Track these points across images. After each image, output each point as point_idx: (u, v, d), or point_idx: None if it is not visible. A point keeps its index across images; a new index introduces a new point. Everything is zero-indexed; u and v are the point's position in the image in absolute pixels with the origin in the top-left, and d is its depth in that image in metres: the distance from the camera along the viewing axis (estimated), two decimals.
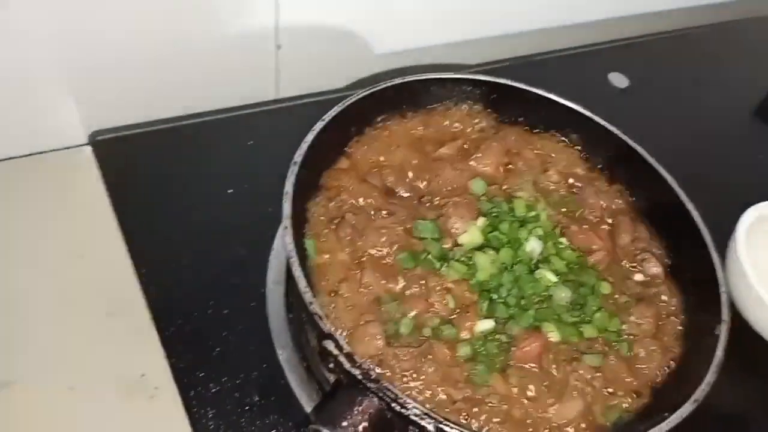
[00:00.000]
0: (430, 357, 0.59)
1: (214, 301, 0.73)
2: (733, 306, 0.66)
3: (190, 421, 0.64)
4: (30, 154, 0.82)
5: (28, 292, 0.71)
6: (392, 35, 0.99)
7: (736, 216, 0.82)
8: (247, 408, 0.66)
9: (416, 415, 0.52)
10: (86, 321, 0.70)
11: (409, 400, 0.52)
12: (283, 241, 0.60)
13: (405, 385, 0.58)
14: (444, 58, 1.03)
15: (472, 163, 0.74)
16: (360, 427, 0.52)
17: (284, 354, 0.70)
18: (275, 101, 0.96)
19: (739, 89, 1.18)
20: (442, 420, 0.51)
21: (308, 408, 0.66)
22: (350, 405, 0.53)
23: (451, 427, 0.51)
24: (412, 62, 1.01)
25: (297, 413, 0.66)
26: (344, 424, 0.52)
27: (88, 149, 0.84)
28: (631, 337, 0.65)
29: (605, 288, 0.67)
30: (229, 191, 0.82)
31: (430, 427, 0.51)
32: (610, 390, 0.61)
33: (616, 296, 0.67)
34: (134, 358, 0.68)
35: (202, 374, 0.68)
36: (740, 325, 0.76)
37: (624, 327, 0.65)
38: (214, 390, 0.67)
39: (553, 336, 0.62)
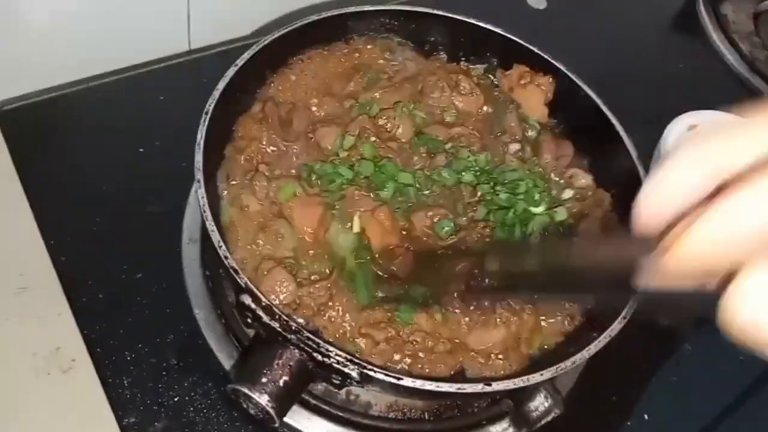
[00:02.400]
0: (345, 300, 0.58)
1: (128, 266, 0.70)
2: None
3: (106, 391, 0.62)
4: None
5: None
6: None
7: (660, 129, 0.82)
8: (164, 372, 0.64)
9: (339, 362, 0.50)
10: None
11: (331, 348, 0.51)
12: (196, 195, 0.57)
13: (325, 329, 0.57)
14: None
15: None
16: (281, 381, 0.51)
17: (201, 313, 0.67)
18: (186, 53, 0.91)
19: (656, 0, 1.18)
20: (365, 365, 0.50)
21: (228, 366, 0.65)
22: (269, 359, 0.52)
23: (375, 371, 0.50)
24: None
25: (217, 372, 0.65)
26: (263, 380, 0.51)
27: None
28: None
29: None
30: (140, 150, 0.78)
31: (354, 373, 0.50)
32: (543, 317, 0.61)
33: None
34: (48, 333, 0.65)
35: (117, 342, 0.65)
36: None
37: None
38: (129, 357, 0.64)
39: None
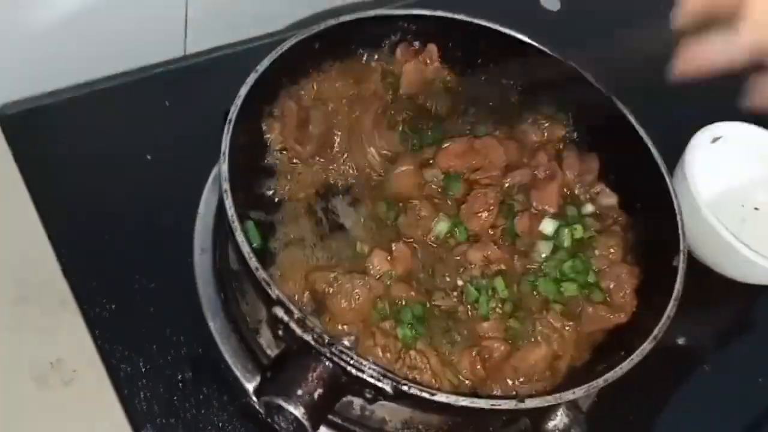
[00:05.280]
0: None
1: (139, 276, 0.68)
2: None
3: (121, 403, 0.60)
4: None
5: None
6: None
7: (685, 139, 0.80)
8: (180, 385, 0.63)
9: (373, 377, 0.50)
10: None
11: (365, 362, 0.50)
12: (223, 206, 0.56)
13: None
14: None
15: None
16: (315, 394, 0.50)
17: (215, 325, 0.66)
18: (187, 57, 0.90)
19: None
20: (400, 380, 0.50)
21: (243, 379, 0.63)
22: (303, 372, 0.51)
23: (410, 387, 0.50)
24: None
25: (232, 385, 0.63)
26: (299, 392, 0.50)
27: None
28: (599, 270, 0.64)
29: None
30: (147, 157, 0.76)
31: (388, 388, 0.50)
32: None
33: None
34: (48, 344, 0.63)
35: (130, 354, 0.64)
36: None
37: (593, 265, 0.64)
38: (143, 369, 0.63)
39: None
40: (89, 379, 0.62)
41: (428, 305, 0.60)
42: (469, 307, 0.61)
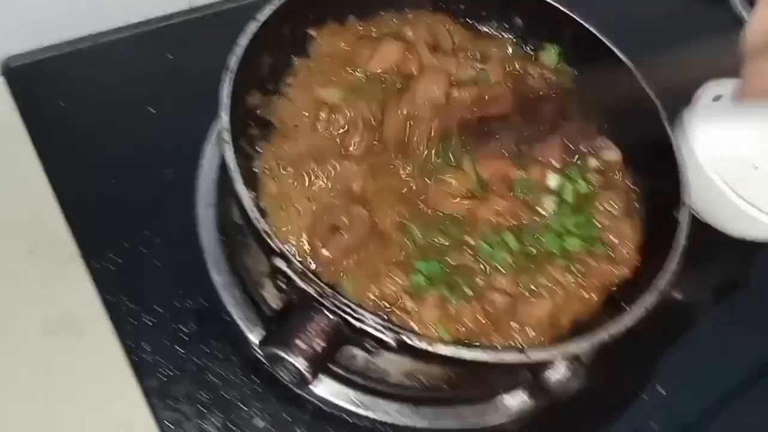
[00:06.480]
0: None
1: (143, 229, 0.68)
2: None
3: (127, 355, 0.61)
4: None
5: None
6: None
7: (684, 98, 0.81)
8: (184, 337, 0.64)
9: (375, 329, 0.50)
10: (5, 261, 0.65)
11: (367, 314, 0.50)
12: (223, 156, 0.55)
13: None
14: None
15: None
16: (316, 345, 0.51)
17: (219, 278, 0.67)
18: (191, 10, 0.88)
19: None
20: (401, 331, 0.50)
21: (248, 331, 0.64)
22: (304, 324, 0.51)
23: (412, 338, 0.50)
24: None
25: (237, 337, 0.64)
26: (299, 343, 0.50)
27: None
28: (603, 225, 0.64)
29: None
30: (151, 110, 0.75)
31: (390, 340, 0.50)
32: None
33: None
34: (58, 296, 0.64)
35: (136, 307, 0.64)
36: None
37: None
38: (149, 322, 0.64)
39: None
40: (97, 331, 0.63)
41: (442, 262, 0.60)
42: (482, 263, 0.60)
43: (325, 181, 0.62)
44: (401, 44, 0.70)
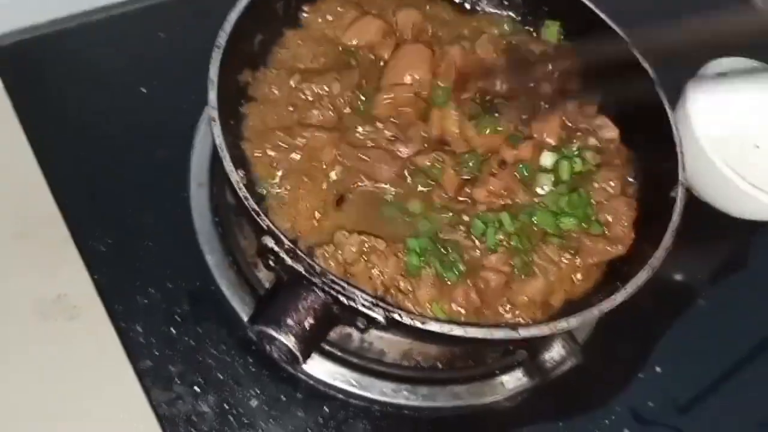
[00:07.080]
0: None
1: (135, 210, 0.68)
2: None
3: (120, 336, 0.61)
4: None
5: None
6: None
7: (686, 74, 0.79)
8: (177, 318, 0.63)
9: (365, 306, 0.50)
10: None
11: (357, 291, 0.50)
12: (212, 134, 0.55)
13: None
14: None
15: None
16: (306, 324, 0.50)
17: (213, 258, 0.66)
18: None
19: None
20: (392, 308, 0.50)
21: (242, 312, 0.64)
22: (294, 302, 0.50)
23: (402, 315, 0.49)
24: None
25: (230, 318, 0.64)
26: (289, 321, 0.50)
27: None
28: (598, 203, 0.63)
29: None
30: (142, 90, 0.74)
31: (380, 317, 0.50)
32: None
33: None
34: (50, 279, 0.64)
35: (128, 288, 0.64)
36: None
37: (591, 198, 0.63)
38: (141, 303, 0.63)
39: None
40: (91, 314, 0.62)
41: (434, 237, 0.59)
42: (475, 240, 0.60)
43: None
44: (381, 24, 0.69)
